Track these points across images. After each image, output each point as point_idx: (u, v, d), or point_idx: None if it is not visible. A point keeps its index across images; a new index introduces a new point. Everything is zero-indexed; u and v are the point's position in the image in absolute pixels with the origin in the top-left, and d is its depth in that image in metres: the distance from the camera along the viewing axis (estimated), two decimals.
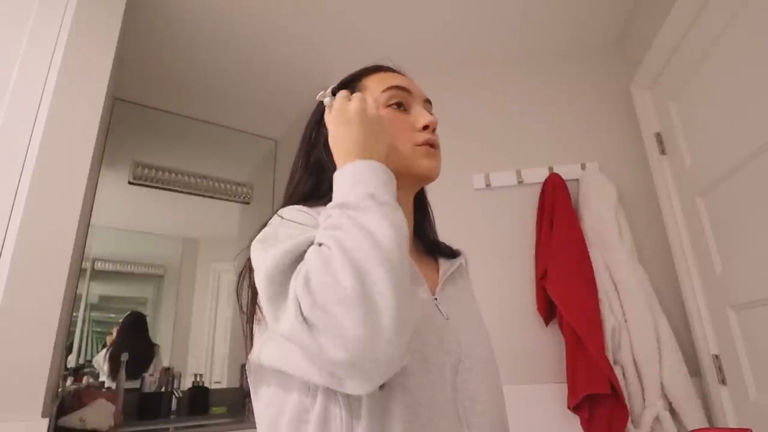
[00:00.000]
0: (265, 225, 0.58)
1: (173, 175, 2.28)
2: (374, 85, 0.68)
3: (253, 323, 0.57)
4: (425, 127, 0.65)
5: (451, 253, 0.72)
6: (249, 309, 0.57)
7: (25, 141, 1.20)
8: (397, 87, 0.66)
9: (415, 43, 1.96)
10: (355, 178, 0.50)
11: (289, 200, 0.65)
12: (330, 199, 0.61)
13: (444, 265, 0.69)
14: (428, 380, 0.52)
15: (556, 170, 1.78)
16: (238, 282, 0.60)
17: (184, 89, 2.21)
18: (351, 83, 0.70)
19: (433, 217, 0.77)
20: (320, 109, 0.71)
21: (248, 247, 0.58)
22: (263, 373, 0.55)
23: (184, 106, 2.34)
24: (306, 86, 2.20)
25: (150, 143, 2.29)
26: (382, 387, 0.49)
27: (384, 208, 0.47)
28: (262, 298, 0.46)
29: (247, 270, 0.58)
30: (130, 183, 2.19)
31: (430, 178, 0.66)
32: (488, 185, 1.85)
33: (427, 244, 0.72)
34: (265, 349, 0.53)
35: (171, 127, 2.37)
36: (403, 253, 0.45)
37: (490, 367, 0.63)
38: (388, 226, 0.45)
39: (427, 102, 0.70)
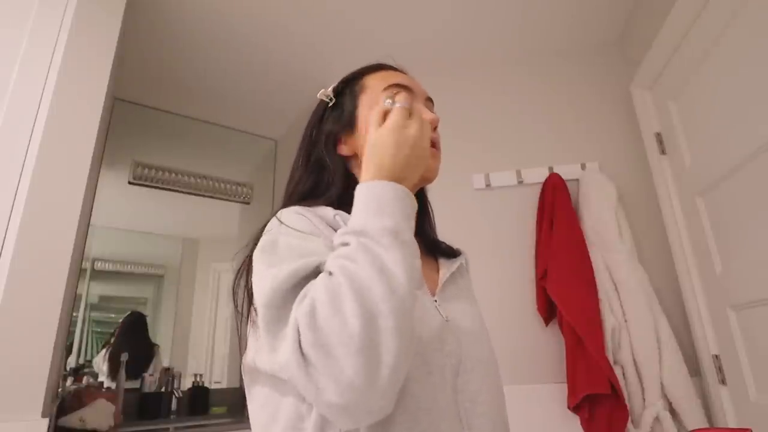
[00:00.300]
0: (264, 226, 0.58)
1: (173, 175, 2.28)
2: (375, 84, 0.67)
3: (248, 324, 0.57)
4: None
5: (452, 253, 0.72)
6: (245, 310, 0.56)
7: (25, 141, 1.20)
8: (397, 85, 0.65)
9: (415, 43, 1.96)
10: (381, 204, 0.47)
11: (289, 199, 0.65)
12: (329, 198, 0.61)
13: (444, 265, 0.68)
14: (429, 383, 0.52)
15: (556, 170, 1.78)
16: (235, 282, 0.59)
17: (184, 89, 2.21)
18: (352, 81, 0.70)
19: (433, 216, 0.77)
20: (321, 107, 0.70)
21: (247, 245, 0.58)
22: (258, 375, 0.54)
23: (184, 106, 2.34)
24: (306, 86, 2.19)
25: (150, 143, 2.29)
26: None
27: (404, 250, 0.44)
28: (260, 321, 0.45)
29: (244, 270, 0.57)
30: (130, 183, 2.19)
31: (429, 179, 0.65)
32: (488, 185, 1.85)
33: (428, 243, 0.72)
34: (260, 356, 0.52)
35: (171, 127, 2.37)
36: (414, 299, 0.43)
37: (491, 367, 0.62)
38: (406, 272, 0.42)
39: (429, 100, 0.69)
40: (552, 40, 1.96)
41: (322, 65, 2.07)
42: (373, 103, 0.64)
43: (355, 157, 0.66)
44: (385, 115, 0.56)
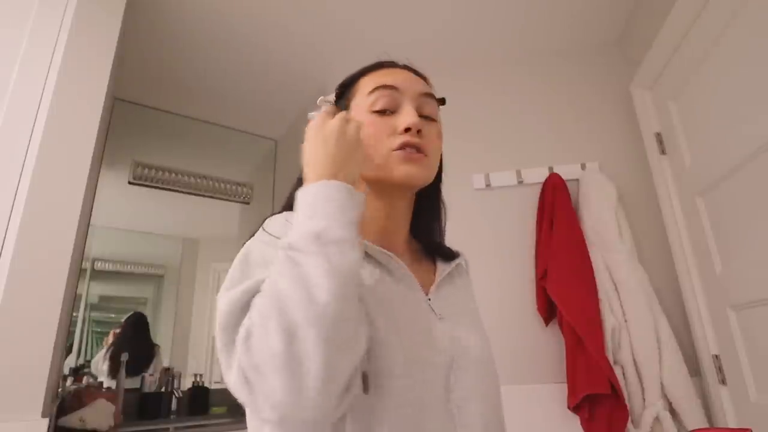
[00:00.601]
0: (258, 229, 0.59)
1: (173, 175, 2.28)
2: (364, 87, 0.65)
3: None
4: (407, 129, 0.60)
5: (451, 255, 0.71)
6: None
7: (25, 141, 1.20)
8: (383, 86, 0.63)
9: (415, 43, 1.96)
10: (312, 208, 0.47)
11: (283, 207, 0.65)
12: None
13: (441, 266, 0.68)
14: (417, 380, 0.52)
15: (556, 170, 1.78)
16: None
17: (184, 89, 2.21)
18: (349, 85, 0.69)
19: (444, 219, 0.75)
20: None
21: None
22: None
23: (184, 106, 2.34)
24: (306, 86, 2.19)
25: (150, 143, 2.29)
26: (366, 390, 0.49)
27: (327, 250, 0.44)
28: (218, 343, 0.46)
29: None
30: (130, 183, 2.19)
31: (409, 185, 0.62)
32: (488, 185, 1.85)
33: (428, 245, 0.71)
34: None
35: (171, 127, 2.37)
36: (345, 302, 0.42)
37: (486, 366, 0.62)
38: (325, 275, 0.42)
39: (425, 96, 0.65)
40: (552, 40, 1.96)
41: (322, 65, 2.07)
42: (360, 109, 0.63)
43: None
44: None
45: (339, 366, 0.41)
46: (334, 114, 0.57)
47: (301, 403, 0.40)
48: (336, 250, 0.44)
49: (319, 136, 0.54)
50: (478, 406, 0.56)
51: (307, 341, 0.40)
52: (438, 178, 0.72)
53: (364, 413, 0.49)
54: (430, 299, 0.61)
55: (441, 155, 0.69)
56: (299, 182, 0.67)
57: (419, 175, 0.61)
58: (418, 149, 0.61)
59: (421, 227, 0.72)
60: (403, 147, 0.60)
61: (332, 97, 0.69)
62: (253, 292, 0.45)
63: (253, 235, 0.57)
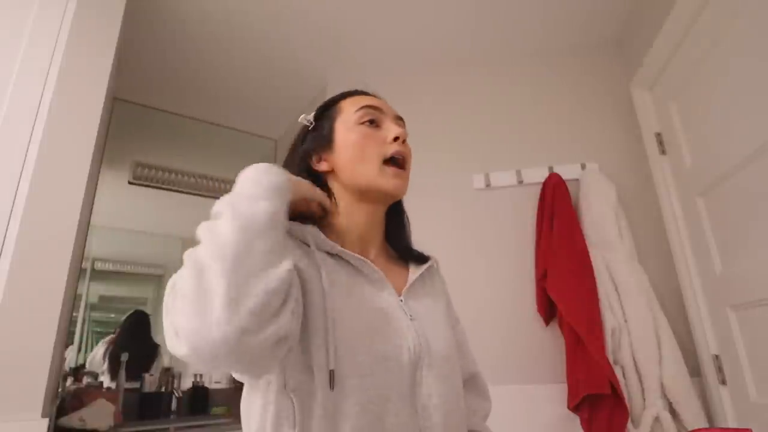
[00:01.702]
0: None
1: (173, 175, 2.28)
2: (348, 107, 0.73)
3: None
4: (395, 139, 0.69)
5: (422, 258, 0.77)
6: None
7: (25, 141, 1.20)
8: (368, 106, 0.72)
9: (414, 43, 1.96)
10: (239, 183, 0.55)
11: None
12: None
13: (414, 269, 0.74)
14: (384, 377, 0.57)
15: (556, 170, 1.78)
16: None
17: (184, 89, 2.21)
18: (330, 106, 0.76)
19: (408, 226, 0.81)
20: (302, 130, 0.78)
21: None
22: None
23: (184, 106, 2.34)
24: (306, 86, 2.20)
25: (150, 143, 2.29)
26: (332, 387, 0.53)
27: (235, 203, 0.50)
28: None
29: None
30: (130, 183, 2.18)
31: (395, 196, 0.71)
32: (488, 185, 1.85)
33: (401, 251, 0.77)
34: None
35: (171, 127, 2.37)
36: (246, 237, 0.47)
37: (450, 363, 0.67)
38: (229, 220, 0.47)
39: (399, 119, 0.75)
40: (552, 40, 1.96)
41: (322, 65, 2.07)
42: (348, 123, 0.71)
43: (333, 172, 0.72)
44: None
45: (246, 290, 0.43)
46: None
47: (209, 321, 0.41)
48: (244, 202, 0.50)
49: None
50: (441, 399, 0.61)
51: (210, 272, 0.44)
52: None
53: (330, 410, 0.53)
54: (402, 300, 0.66)
55: None
56: (305, 171, 0.75)
57: (404, 186, 0.71)
58: (404, 160, 0.70)
59: (392, 235, 0.78)
60: (394, 156, 0.69)
61: (312, 116, 0.76)
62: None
63: None
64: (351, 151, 0.69)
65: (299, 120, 0.76)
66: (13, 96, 1.21)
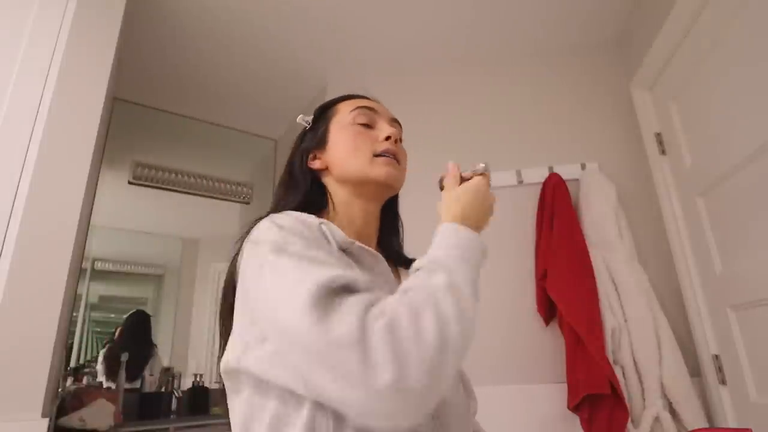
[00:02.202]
0: (255, 223, 0.62)
1: (173, 175, 2.28)
2: (344, 108, 0.75)
3: (226, 325, 0.60)
4: (387, 138, 0.70)
5: (410, 263, 0.74)
6: (225, 310, 0.61)
7: (25, 141, 1.20)
8: (363, 107, 0.73)
9: (414, 43, 1.96)
10: (467, 252, 0.54)
11: (275, 209, 0.69)
12: (299, 205, 0.67)
13: (404, 274, 0.74)
14: None
15: (556, 170, 1.78)
16: (229, 282, 0.63)
17: (184, 89, 2.21)
18: (328, 108, 0.78)
19: (401, 229, 0.82)
20: (302, 131, 0.80)
21: (237, 246, 0.63)
22: (239, 376, 0.54)
23: (184, 106, 2.34)
24: (306, 86, 2.20)
25: (150, 143, 2.29)
26: None
27: (474, 298, 0.50)
28: (296, 309, 0.44)
29: (232, 272, 0.62)
30: (130, 183, 2.18)
31: (388, 185, 0.70)
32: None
33: (392, 254, 0.76)
34: (248, 354, 0.52)
35: (171, 127, 2.37)
36: (470, 342, 0.47)
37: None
38: (472, 310, 0.48)
39: (394, 121, 0.76)
40: (552, 40, 1.96)
41: (322, 65, 2.07)
42: (343, 123, 0.73)
43: (326, 169, 0.73)
44: (461, 177, 0.70)
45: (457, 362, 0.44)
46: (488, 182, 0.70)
47: (432, 389, 0.41)
48: (475, 300, 0.50)
49: (484, 198, 0.66)
50: (463, 400, 0.63)
51: (453, 356, 0.43)
52: (395, 201, 0.81)
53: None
54: None
55: None
56: (277, 187, 0.76)
57: (398, 176, 0.71)
58: (395, 156, 0.71)
59: (385, 237, 0.78)
60: (384, 152, 0.69)
61: (310, 118, 0.78)
62: (351, 281, 0.46)
63: (254, 225, 0.62)
64: (343, 146, 0.70)
65: (297, 120, 0.78)
66: (13, 96, 1.21)
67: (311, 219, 0.60)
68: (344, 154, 0.70)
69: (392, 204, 0.80)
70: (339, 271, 0.47)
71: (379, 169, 0.68)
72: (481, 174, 0.70)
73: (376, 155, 0.69)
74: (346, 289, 0.45)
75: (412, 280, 0.50)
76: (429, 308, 0.44)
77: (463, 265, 0.51)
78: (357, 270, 0.55)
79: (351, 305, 0.43)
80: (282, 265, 0.49)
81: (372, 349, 0.40)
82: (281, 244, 0.52)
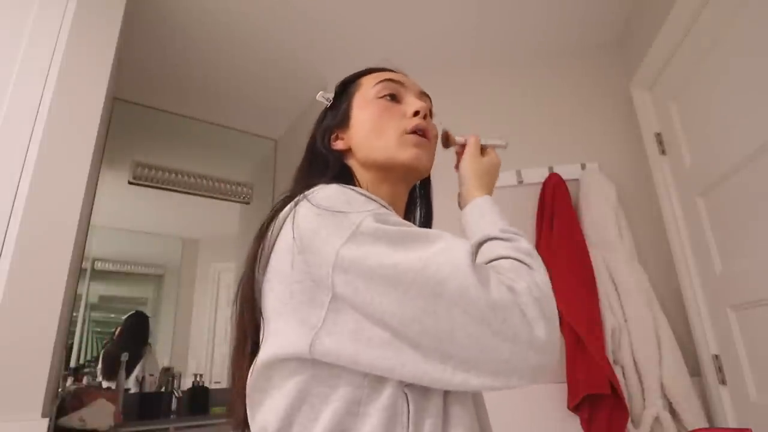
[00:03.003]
0: (275, 214, 0.55)
1: (173, 175, 2.28)
2: (368, 82, 0.69)
3: (251, 320, 0.54)
4: (416, 114, 0.65)
5: None
6: (248, 309, 0.55)
7: (25, 141, 1.20)
8: (388, 79, 0.68)
9: (414, 43, 1.96)
10: (500, 214, 0.64)
11: (297, 188, 0.62)
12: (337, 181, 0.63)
13: None
14: None
15: (556, 170, 1.78)
16: (249, 278, 0.55)
17: (184, 89, 2.21)
18: (350, 83, 0.73)
19: (431, 216, 0.78)
20: (323, 109, 0.74)
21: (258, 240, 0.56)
22: (297, 367, 0.49)
23: (184, 106, 2.34)
24: (306, 86, 2.20)
25: (150, 143, 2.30)
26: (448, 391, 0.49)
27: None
28: (462, 274, 0.44)
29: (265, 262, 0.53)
30: (130, 183, 2.19)
31: (414, 168, 0.64)
32: None
33: None
34: (328, 341, 0.46)
35: (171, 127, 2.37)
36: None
37: None
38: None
39: (423, 94, 0.71)
40: (552, 40, 1.95)
41: (322, 65, 2.07)
42: (366, 98, 0.67)
43: (350, 151, 0.67)
44: (482, 148, 0.75)
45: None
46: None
47: (555, 350, 0.45)
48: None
49: (488, 165, 0.73)
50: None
51: (552, 308, 0.48)
52: (428, 181, 0.78)
53: (442, 412, 0.48)
54: None
55: None
56: (299, 167, 0.70)
57: (426, 158, 0.66)
58: (425, 133, 0.65)
59: (415, 221, 0.75)
60: (414, 129, 0.64)
61: (331, 94, 0.73)
62: (473, 251, 0.48)
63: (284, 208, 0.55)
64: (368, 126, 0.65)
65: (317, 98, 0.72)
66: (13, 96, 1.21)
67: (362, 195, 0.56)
68: (369, 133, 0.64)
69: (424, 189, 0.77)
70: (466, 246, 0.49)
71: (408, 151, 0.63)
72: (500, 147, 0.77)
73: (406, 133, 0.64)
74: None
75: (500, 248, 0.53)
76: (540, 269, 0.50)
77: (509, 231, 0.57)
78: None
79: (489, 269, 0.47)
80: (411, 234, 0.48)
81: (527, 308, 0.44)
82: (379, 216, 0.49)
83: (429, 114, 0.68)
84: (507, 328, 0.43)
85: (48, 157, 1.21)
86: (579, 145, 1.84)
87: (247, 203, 2.49)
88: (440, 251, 0.46)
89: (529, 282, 0.47)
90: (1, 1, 1.29)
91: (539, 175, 1.79)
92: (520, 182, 1.82)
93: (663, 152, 1.65)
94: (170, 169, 2.28)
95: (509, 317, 0.43)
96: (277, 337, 0.50)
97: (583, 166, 1.78)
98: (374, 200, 0.53)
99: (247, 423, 0.54)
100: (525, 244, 0.54)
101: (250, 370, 0.53)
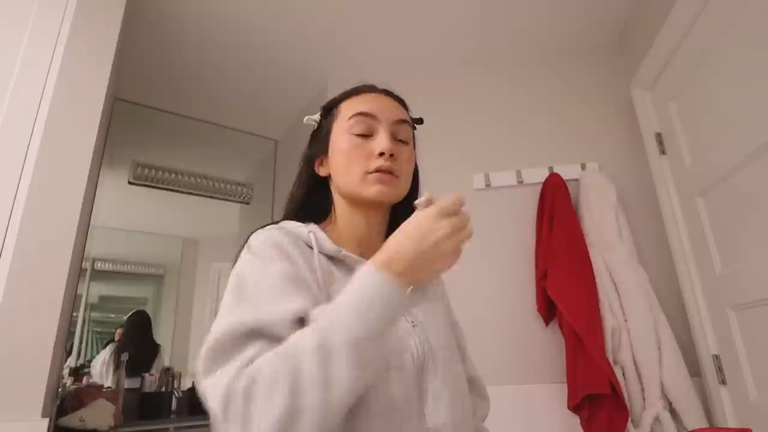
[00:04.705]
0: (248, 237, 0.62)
1: (173, 175, 2.28)
2: (345, 110, 0.71)
3: None
4: (381, 154, 0.66)
5: None
6: None
7: (25, 141, 1.20)
8: (361, 113, 0.68)
9: (415, 44, 1.96)
10: (370, 305, 0.48)
11: (285, 215, 0.72)
12: (322, 215, 0.71)
13: None
14: (389, 387, 0.56)
15: (556, 170, 1.78)
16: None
17: (184, 89, 2.21)
18: (331, 107, 0.75)
19: None
20: (312, 131, 0.77)
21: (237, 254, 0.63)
22: None
23: (184, 106, 2.34)
24: (306, 87, 2.20)
25: (150, 143, 2.29)
26: None
27: (358, 357, 0.46)
28: (206, 346, 0.51)
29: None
30: (130, 183, 2.19)
31: (379, 202, 0.67)
32: (488, 185, 1.85)
33: None
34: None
35: (171, 127, 2.37)
36: (347, 406, 0.46)
37: (454, 366, 0.67)
38: (348, 392, 0.45)
39: (399, 122, 0.70)
40: (552, 40, 1.96)
41: (322, 66, 2.07)
42: (341, 129, 0.70)
43: (331, 178, 0.72)
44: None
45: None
46: (453, 211, 0.53)
47: None
48: (369, 368, 0.47)
49: (427, 230, 0.52)
50: (448, 399, 0.61)
51: (305, 426, 0.43)
52: (413, 194, 0.77)
53: (341, 422, 0.49)
54: None
55: (417, 173, 0.76)
56: (304, 180, 0.74)
57: (389, 193, 0.66)
58: (390, 172, 0.66)
59: None
60: (376, 170, 0.65)
61: (317, 116, 0.76)
62: (251, 328, 0.49)
63: (239, 254, 0.61)
64: (338, 160, 0.69)
65: (304, 121, 0.76)
66: (13, 96, 1.21)
67: (299, 230, 0.63)
68: (339, 167, 0.68)
69: (405, 203, 0.76)
70: (264, 308, 0.51)
71: (370, 188, 0.65)
72: (426, 203, 0.55)
73: (368, 173, 0.66)
74: (252, 335, 0.49)
75: (296, 334, 0.48)
76: (287, 375, 0.44)
77: (354, 320, 0.47)
78: (312, 293, 0.56)
79: (234, 362, 0.47)
80: (227, 298, 0.55)
81: (230, 411, 0.44)
82: (241, 272, 0.57)
83: (402, 142, 0.69)
84: (216, 416, 0.45)
85: (48, 157, 1.21)
86: (579, 145, 1.84)
87: (247, 203, 2.49)
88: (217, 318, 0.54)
89: (256, 386, 0.44)
90: (1, 1, 1.28)
91: (539, 175, 1.79)
92: (520, 182, 1.82)
93: (663, 152, 1.65)
94: (170, 169, 2.28)
95: (213, 412, 0.46)
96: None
97: (583, 166, 1.78)
98: (280, 243, 0.60)
99: None
100: (311, 341, 0.46)
101: None
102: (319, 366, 0.44)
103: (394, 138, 0.68)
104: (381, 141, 0.67)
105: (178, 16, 1.77)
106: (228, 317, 0.52)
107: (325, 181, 0.73)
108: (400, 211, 0.74)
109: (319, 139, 0.74)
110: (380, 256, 0.52)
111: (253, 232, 0.63)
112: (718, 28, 1.31)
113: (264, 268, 0.56)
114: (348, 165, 0.67)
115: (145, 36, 1.84)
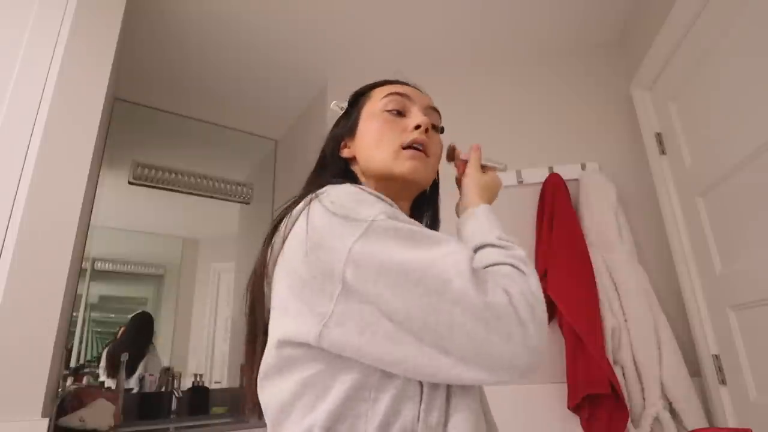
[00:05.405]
0: (287, 211, 0.59)
1: (173, 175, 2.28)
2: (377, 94, 0.72)
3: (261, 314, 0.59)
4: (417, 128, 0.66)
5: None
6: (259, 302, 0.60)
7: (25, 141, 1.20)
8: (395, 93, 0.70)
9: (415, 44, 1.96)
10: (498, 223, 0.63)
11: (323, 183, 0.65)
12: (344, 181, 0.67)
13: None
14: None
15: (556, 170, 1.78)
16: (260, 272, 0.60)
17: (184, 89, 2.21)
18: (361, 94, 0.75)
19: (438, 223, 0.80)
20: (338, 116, 0.78)
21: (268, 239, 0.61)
22: (309, 352, 0.51)
23: (184, 106, 2.34)
24: (306, 87, 2.19)
25: (150, 143, 2.29)
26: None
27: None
28: (460, 279, 0.47)
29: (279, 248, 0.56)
30: (130, 183, 2.18)
31: (411, 180, 0.66)
32: None
33: None
34: (336, 332, 0.48)
35: (171, 127, 2.37)
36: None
37: None
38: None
39: (431, 109, 0.72)
40: (552, 40, 1.96)
41: (322, 66, 2.07)
42: (373, 110, 0.70)
43: (355, 159, 0.71)
44: (482, 167, 0.75)
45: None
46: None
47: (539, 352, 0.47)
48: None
49: (493, 183, 0.74)
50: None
51: (543, 312, 0.50)
52: (435, 191, 0.80)
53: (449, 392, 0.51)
54: None
55: (437, 182, 0.79)
56: (331, 155, 0.73)
57: (423, 171, 0.66)
58: (424, 148, 0.66)
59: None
60: (412, 143, 0.65)
61: (345, 103, 0.76)
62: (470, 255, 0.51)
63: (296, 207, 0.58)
64: (370, 137, 0.67)
65: (331, 107, 0.77)
66: (13, 96, 1.21)
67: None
68: (369, 145, 0.67)
69: (432, 197, 0.79)
70: (467, 254, 0.52)
71: (403, 164, 0.64)
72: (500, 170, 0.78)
73: (403, 147, 0.65)
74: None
75: (497, 254, 0.55)
76: (533, 276, 0.52)
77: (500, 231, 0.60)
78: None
79: (487, 273, 0.50)
80: (419, 234, 0.51)
81: (520, 311, 0.47)
82: (390, 214, 0.52)
83: (434, 128, 0.70)
84: (502, 327, 0.45)
85: (48, 157, 1.21)
86: (579, 145, 1.84)
87: (247, 203, 2.49)
88: (445, 253, 0.49)
89: (522, 287, 0.49)
90: (1, 1, 1.28)
91: (539, 175, 1.79)
92: (520, 182, 1.82)
93: (663, 152, 1.65)
94: (170, 169, 2.28)
95: (504, 318, 0.46)
96: (287, 323, 0.52)
97: (583, 166, 1.78)
98: (383, 200, 0.55)
99: (261, 409, 0.57)
100: (520, 252, 0.56)
101: (264, 355, 0.57)
102: (533, 270, 0.53)
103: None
104: (417, 115, 0.68)
105: (178, 16, 1.77)
106: (454, 255, 0.49)
107: (346, 165, 0.71)
108: (419, 208, 0.77)
109: (347, 122, 0.73)
110: (487, 199, 0.71)
111: (289, 208, 0.59)
112: (718, 28, 1.31)
113: (411, 223, 0.54)
114: (380, 139, 0.66)
115: (145, 36, 1.84)
